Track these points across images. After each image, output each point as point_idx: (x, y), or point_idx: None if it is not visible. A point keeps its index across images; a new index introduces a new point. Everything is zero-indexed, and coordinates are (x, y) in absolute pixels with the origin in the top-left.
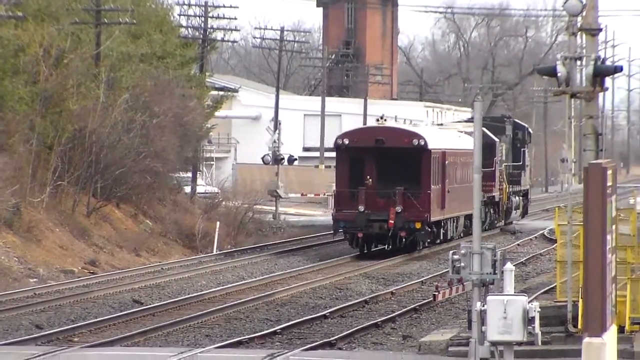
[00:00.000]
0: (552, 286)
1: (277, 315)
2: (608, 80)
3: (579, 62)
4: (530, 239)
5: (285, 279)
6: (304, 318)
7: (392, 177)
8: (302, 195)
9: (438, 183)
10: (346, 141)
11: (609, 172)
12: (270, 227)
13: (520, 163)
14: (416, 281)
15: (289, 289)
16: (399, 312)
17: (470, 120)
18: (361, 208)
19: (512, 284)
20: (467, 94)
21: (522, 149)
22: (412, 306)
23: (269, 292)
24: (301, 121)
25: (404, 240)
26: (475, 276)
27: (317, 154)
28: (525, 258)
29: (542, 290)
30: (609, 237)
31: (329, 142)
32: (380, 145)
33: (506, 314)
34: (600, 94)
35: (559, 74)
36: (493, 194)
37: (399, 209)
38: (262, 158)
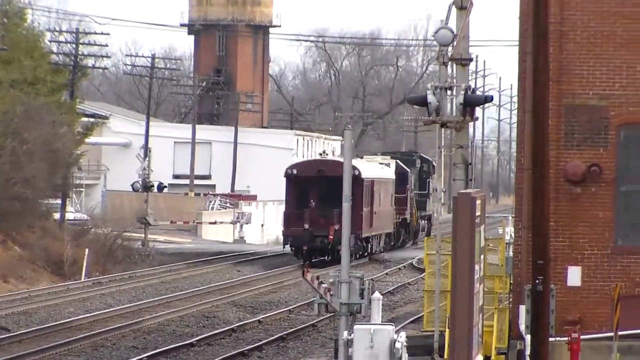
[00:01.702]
0: (419, 315)
1: (144, 343)
2: (478, 110)
3: (449, 92)
4: (399, 268)
5: (153, 306)
6: (171, 346)
7: (331, 200)
8: (171, 222)
9: (368, 206)
10: (295, 171)
11: (478, 201)
12: (139, 255)
13: (426, 192)
14: (284, 309)
15: (157, 317)
16: (266, 340)
17: (387, 154)
18: (306, 226)
19: (380, 313)
20: (338, 122)
21: (427, 180)
22: (278, 335)
23: (136, 320)
24: (171, 149)
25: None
26: (344, 305)
27: (187, 181)
28: (393, 287)
29: (409, 320)
30: (477, 266)
31: (199, 170)
32: (322, 175)
33: (373, 343)
34: (471, 124)
35: (429, 104)
36: (406, 216)
37: (337, 227)
38: (132, 185)
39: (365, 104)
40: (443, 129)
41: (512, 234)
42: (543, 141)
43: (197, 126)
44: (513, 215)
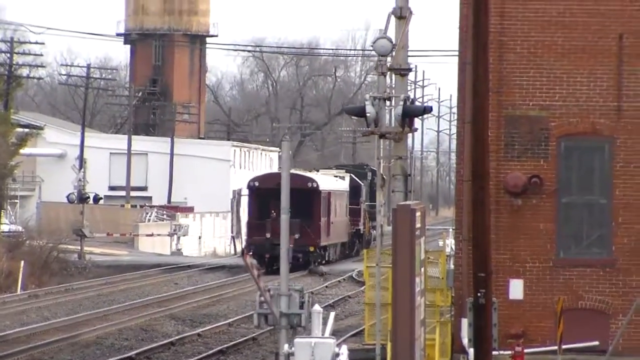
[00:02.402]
0: (360, 329)
1: (82, 357)
2: (417, 121)
3: (388, 103)
4: (339, 281)
5: (91, 319)
6: None
7: (291, 211)
8: (107, 234)
9: (325, 216)
10: (256, 183)
11: (418, 213)
12: (76, 267)
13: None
14: (223, 323)
15: (95, 330)
16: (206, 354)
17: (341, 167)
18: (268, 235)
19: (320, 326)
20: (276, 133)
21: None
22: (218, 348)
23: (74, 333)
24: (107, 160)
25: (300, 260)
26: (283, 316)
27: (123, 193)
28: (333, 300)
29: (350, 333)
30: (417, 279)
31: (136, 181)
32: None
33: (314, 356)
34: (410, 135)
35: (367, 114)
36: (359, 227)
37: (297, 236)
38: (67, 197)
39: (303, 115)
40: (382, 140)
41: (453, 247)
42: (483, 152)
43: (133, 137)
44: (453, 228)
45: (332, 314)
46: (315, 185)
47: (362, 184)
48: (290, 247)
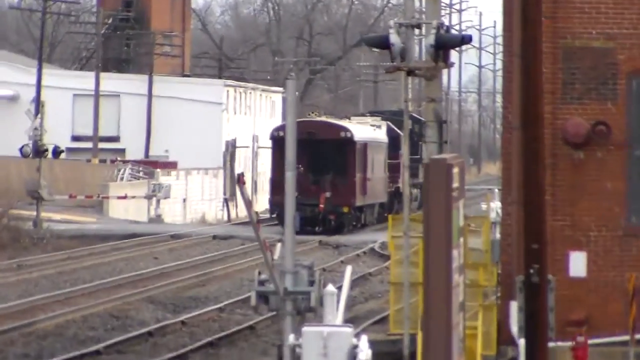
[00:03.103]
0: (384, 315)
1: (38, 350)
2: (454, 54)
3: (417, 31)
4: (357, 255)
5: (49, 304)
6: (73, 354)
7: (321, 166)
8: (70, 197)
9: (361, 172)
10: (281, 133)
11: (455, 170)
12: (31, 238)
13: (418, 156)
14: (213, 307)
15: (54, 317)
16: (191, 347)
17: (376, 113)
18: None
19: (335, 311)
20: (279, 69)
21: (419, 143)
22: (207, 339)
23: (28, 321)
24: (70, 103)
25: (332, 222)
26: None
27: (89, 144)
28: (352, 279)
29: (372, 320)
30: (455, 252)
31: (105, 130)
32: (312, 137)
33: (327, 349)
34: (445, 71)
35: (392, 46)
36: (399, 185)
37: (328, 194)
38: (20, 149)
39: (313, 47)
40: (410, 78)
41: (499, 211)
42: (536, 93)
43: (102, 74)
44: (500, 188)
45: (349, 269)
46: (349, 135)
47: (402, 134)
48: (320, 207)
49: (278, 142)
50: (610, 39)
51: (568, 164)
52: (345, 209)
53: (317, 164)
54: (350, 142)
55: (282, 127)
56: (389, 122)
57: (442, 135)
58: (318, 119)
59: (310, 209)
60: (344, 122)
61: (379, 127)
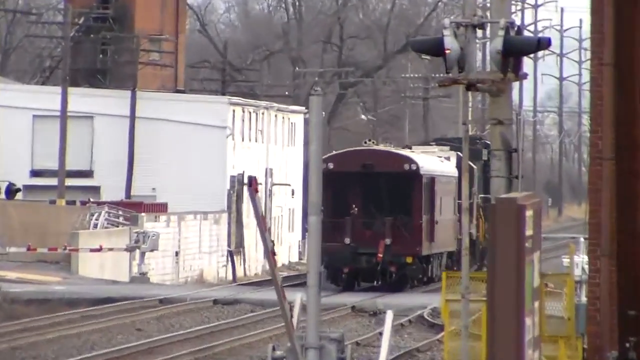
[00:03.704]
0: None
1: None
2: (527, 63)
3: (479, 33)
4: (402, 325)
5: None
6: None
7: (380, 206)
8: (29, 249)
9: (428, 213)
10: (331, 165)
11: (529, 212)
12: None
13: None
14: None
15: None
16: None
17: (442, 141)
18: (347, 240)
19: None
20: (300, 83)
21: None
22: None
23: None
24: (29, 127)
25: (393, 275)
26: None
27: (54, 181)
28: (392, 357)
29: None
30: (528, 321)
31: (74, 162)
32: (369, 171)
33: None
34: (515, 85)
35: (447, 51)
36: (471, 230)
37: (388, 241)
38: None
39: (344, 54)
40: (470, 94)
41: (586, 267)
42: (634, 112)
43: (71, 90)
44: (586, 236)
45: (390, 314)
46: (414, 167)
47: (475, 166)
48: (378, 257)
49: (328, 176)
50: None
51: None
52: (409, 260)
53: (375, 203)
54: (415, 176)
55: (331, 158)
56: (458, 153)
57: (511, 168)
58: (375, 147)
59: (366, 259)
60: (406, 152)
61: (447, 158)
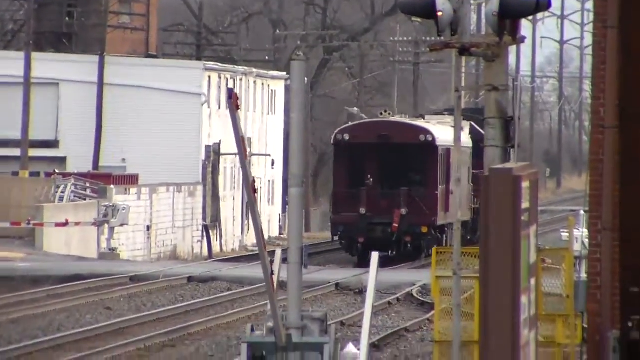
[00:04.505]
0: None
1: None
2: (526, 25)
3: None
4: (389, 303)
5: None
6: None
7: (396, 176)
8: None
9: (443, 183)
10: (347, 136)
11: (526, 184)
12: None
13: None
14: None
15: None
16: None
17: (450, 111)
18: (362, 210)
19: None
20: (280, 47)
21: (507, 149)
22: None
23: None
24: None
25: (408, 245)
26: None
27: (16, 151)
28: (379, 337)
29: None
30: (524, 299)
31: (39, 132)
32: (385, 141)
33: None
34: (512, 49)
35: (439, 13)
36: (476, 206)
37: (404, 211)
38: None
39: (329, 16)
40: (464, 59)
41: (586, 242)
42: (638, 79)
43: (35, 55)
44: (587, 209)
45: (375, 256)
46: (430, 139)
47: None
48: (394, 227)
49: (343, 147)
50: None
51: None
52: (424, 229)
53: (391, 174)
54: (431, 147)
55: (346, 129)
56: (472, 123)
57: (507, 137)
58: (391, 119)
59: (381, 229)
60: (422, 123)
61: (461, 128)
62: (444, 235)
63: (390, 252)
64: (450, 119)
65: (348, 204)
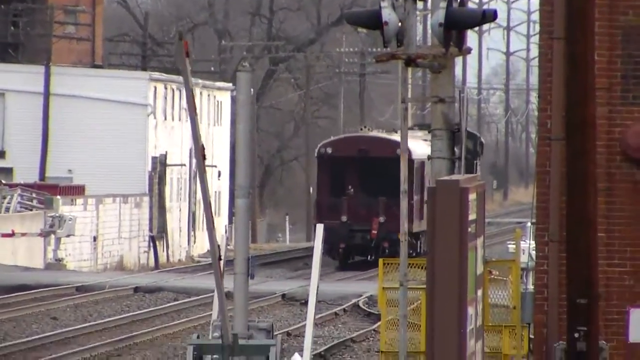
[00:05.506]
0: None
1: None
2: (472, 36)
3: (420, 4)
4: (336, 314)
5: None
6: None
7: (374, 187)
8: None
9: (418, 194)
10: (329, 150)
11: (472, 196)
12: None
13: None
14: None
15: None
16: None
17: (423, 126)
18: (344, 218)
19: None
20: (226, 58)
21: (474, 162)
22: None
23: None
24: None
25: (386, 251)
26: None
27: None
28: (325, 347)
29: None
30: (471, 310)
31: None
32: (364, 155)
33: None
34: (459, 60)
35: (385, 24)
36: None
37: (382, 219)
38: None
39: (274, 26)
40: (410, 70)
41: (533, 254)
42: (585, 90)
43: None
44: (533, 221)
45: (320, 231)
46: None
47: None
48: (372, 233)
49: (326, 160)
50: None
51: (628, 188)
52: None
53: (370, 185)
54: (407, 160)
55: (329, 143)
56: None
57: (453, 149)
58: (370, 134)
59: (361, 236)
60: (398, 138)
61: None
62: (418, 242)
63: (369, 256)
64: (420, 132)
65: (330, 212)
